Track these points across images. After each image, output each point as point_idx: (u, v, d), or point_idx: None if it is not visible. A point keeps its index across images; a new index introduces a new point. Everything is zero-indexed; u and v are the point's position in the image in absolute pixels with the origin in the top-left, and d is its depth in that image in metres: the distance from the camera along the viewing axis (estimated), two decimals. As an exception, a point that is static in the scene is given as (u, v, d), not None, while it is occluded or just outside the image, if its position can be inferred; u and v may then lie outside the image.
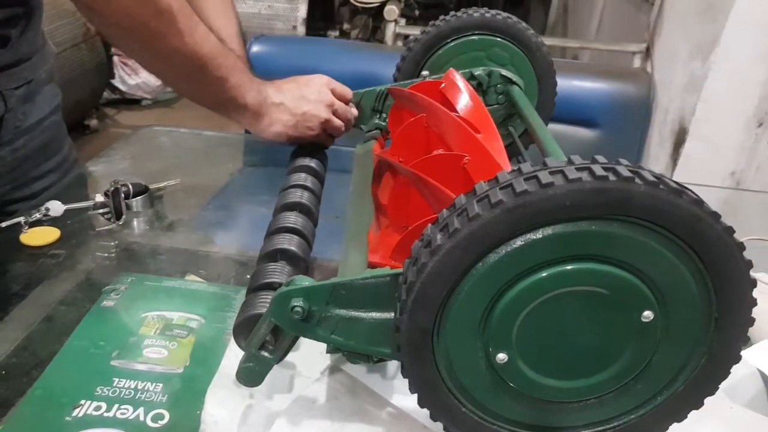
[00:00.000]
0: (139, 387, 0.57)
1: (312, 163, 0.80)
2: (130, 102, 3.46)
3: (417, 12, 3.35)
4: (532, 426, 0.47)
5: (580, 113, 1.41)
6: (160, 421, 0.54)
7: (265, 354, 0.50)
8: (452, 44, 0.89)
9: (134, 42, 0.73)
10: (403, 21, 2.75)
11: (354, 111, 0.88)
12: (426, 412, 0.47)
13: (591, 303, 0.42)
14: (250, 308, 0.52)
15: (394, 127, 0.80)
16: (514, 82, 0.86)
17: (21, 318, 0.66)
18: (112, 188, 0.82)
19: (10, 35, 0.81)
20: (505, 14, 0.88)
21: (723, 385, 0.46)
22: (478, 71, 0.86)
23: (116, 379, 0.58)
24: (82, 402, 0.55)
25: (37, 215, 0.80)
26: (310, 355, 0.59)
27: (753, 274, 0.42)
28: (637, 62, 1.94)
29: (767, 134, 1.50)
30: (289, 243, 0.61)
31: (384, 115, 0.90)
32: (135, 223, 0.85)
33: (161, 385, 0.58)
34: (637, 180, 0.39)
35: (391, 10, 2.66)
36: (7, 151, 0.86)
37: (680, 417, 0.48)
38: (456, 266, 0.41)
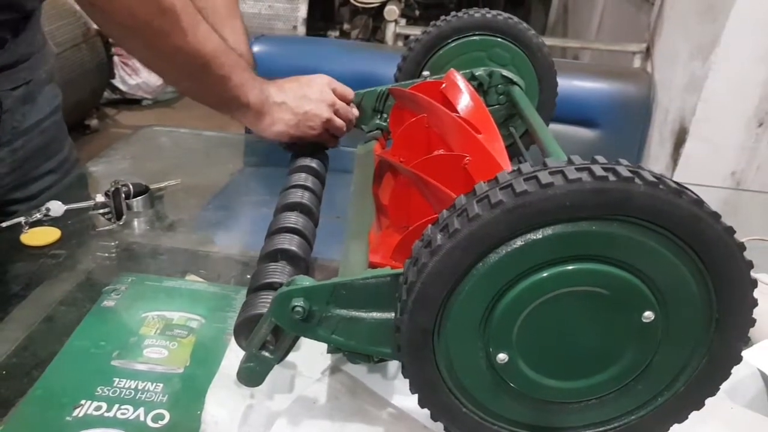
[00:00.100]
0: (140, 387, 0.57)
1: (313, 163, 0.80)
2: (130, 102, 3.46)
3: (417, 12, 3.35)
4: (533, 426, 0.47)
5: (581, 113, 1.41)
6: (160, 422, 0.54)
7: (266, 354, 0.50)
8: (453, 44, 0.89)
9: (137, 41, 0.73)
10: (403, 21, 2.75)
11: (355, 111, 0.88)
12: (426, 412, 0.47)
13: (591, 303, 0.42)
14: (251, 308, 0.52)
15: (395, 127, 0.80)
16: (514, 83, 0.86)
17: (21, 318, 0.66)
18: (113, 188, 0.82)
19: (4, 37, 0.81)
20: (507, 15, 0.88)
21: (723, 385, 0.46)
22: (479, 71, 0.86)
23: (116, 379, 0.58)
24: (83, 402, 0.55)
25: (38, 215, 0.80)
26: (310, 355, 0.59)
27: (753, 274, 0.42)
28: (637, 62, 1.94)
29: (767, 134, 1.50)
30: (290, 243, 0.61)
31: (385, 116, 0.90)
32: (135, 223, 0.85)
33: (161, 385, 0.58)
34: (637, 180, 0.39)
35: (392, 11, 2.66)
36: (6, 152, 0.86)
37: (681, 418, 0.48)
38: (456, 266, 0.41)
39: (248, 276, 0.67)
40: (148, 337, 0.63)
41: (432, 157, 0.63)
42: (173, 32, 0.71)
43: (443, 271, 0.41)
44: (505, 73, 0.86)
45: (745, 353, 0.45)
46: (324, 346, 0.51)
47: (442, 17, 0.89)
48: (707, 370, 0.45)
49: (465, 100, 0.74)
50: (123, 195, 0.83)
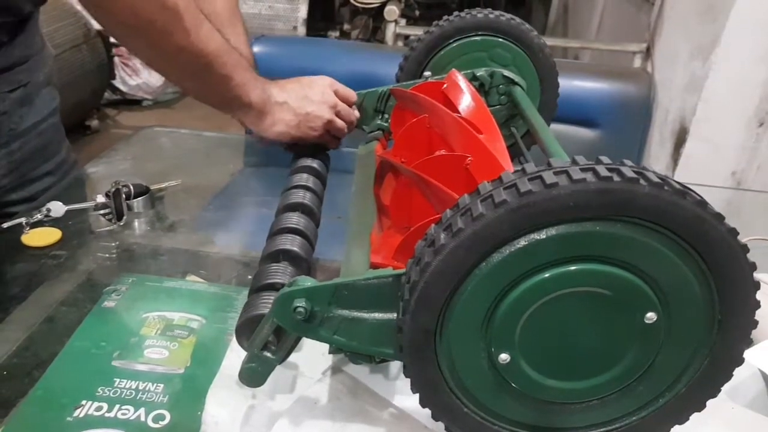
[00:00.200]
0: (140, 387, 0.57)
1: (314, 163, 0.80)
2: (130, 103, 3.46)
3: (417, 12, 3.35)
4: (534, 427, 0.47)
5: (581, 113, 1.41)
6: (161, 422, 0.54)
7: (268, 354, 0.50)
8: (455, 45, 0.89)
9: (140, 40, 0.73)
10: (403, 21, 2.76)
11: (356, 113, 0.88)
12: (427, 412, 0.47)
13: (594, 304, 0.42)
14: (253, 309, 0.52)
15: (397, 127, 0.80)
16: (516, 83, 0.86)
17: (22, 318, 0.66)
18: (113, 189, 0.82)
19: (1, 40, 0.81)
20: (508, 15, 0.88)
21: (724, 386, 0.46)
22: (480, 72, 0.86)
23: (117, 380, 0.58)
24: (83, 402, 0.55)
25: (39, 216, 0.80)
26: (312, 356, 0.59)
27: (756, 275, 0.42)
28: (637, 62, 1.94)
29: (768, 134, 1.50)
30: (292, 243, 0.61)
31: (386, 116, 0.89)
32: (136, 223, 0.85)
33: (162, 385, 0.58)
34: (642, 181, 0.39)
35: (392, 11, 2.66)
36: (3, 153, 0.86)
37: (682, 419, 0.48)
38: (459, 266, 0.41)
39: (249, 276, 0.67)
40: (149, 338, 0.63)
41: (433, 157, 0.63)
42: (176, 31, 0.71)
43: (446, 270, 0.41)
44: (506, 73, 0.86)
45: (746, 354, 0.45)
46: (325, 346, 0.51)
47: (444, 17, 0.89)
48: (709, 372, 0.45)
49: (466, 100, 0.74)
50: (123, 195, 0.82)
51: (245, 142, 1.21)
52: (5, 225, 0.78)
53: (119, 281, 0.71)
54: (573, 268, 0.41)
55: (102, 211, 0.82)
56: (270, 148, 0.86)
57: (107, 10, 0.69)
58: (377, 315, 0.47)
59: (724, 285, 0.42)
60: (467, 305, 0.42)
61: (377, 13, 3.21)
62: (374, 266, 0.57)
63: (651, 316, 0.42)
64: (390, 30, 2.56)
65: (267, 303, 0.51)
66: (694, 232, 0.40)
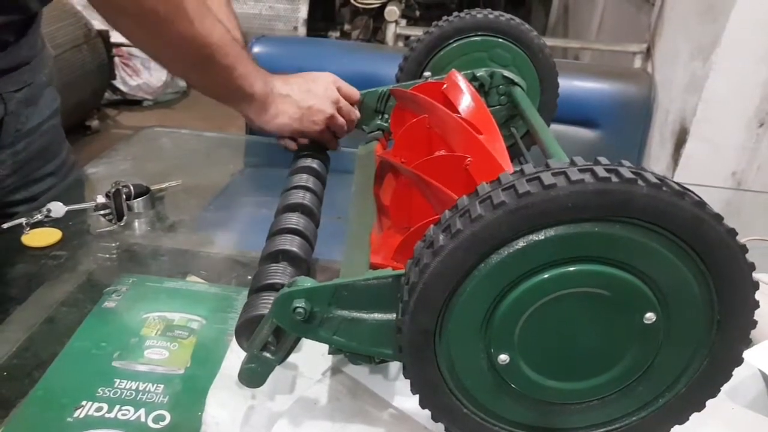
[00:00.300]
0: (141, 388, 0.57)
1: (314, 164, 0.80)
2: (131, 103, 3.46)
3: (418, 13, 3.35)
4: (534, 427, 0.47)
5: (581, 113, 1.41)
6: (161, 422, 0.54)
7: (267, 355, 0.50)
8: (455, 45, 0.89)
9: (143, 30, 0.73)
10: (403, 22, 2.76)
11: (357, 113, 0.88)
12: (427, 413, 0.47)
13: (593, 305, 0.42)
14: (252, 309, 0.52)
15: (396, 128, 0.80)
16: (516, 83, 0.86)
17: (22, 319, 0.66)
18: (114, 189, 0.82)
19: (8, 40, 0.81)
20: (508, 15, 0.88)
21: (724, 386, 0.46)
22: (480, 72, 0.86)
23: (117, 380, 0.58)
24: (84, 403, 0.55)
25: (39, 216, 0.80)
26: (311, 356, 0.59)
27: (755, 275, 0.42)
28: (637, 62, 1.94)
29: (768, 135, 1.50)
30: (291, 244, 0.61)
31: (386, 116, 0.90)
32: (136, 224, 0.85)
33: (162, 386, 0.58)
34: (640, 182, 0.39)
35: (392, 11, 2.66)
36: (8, 154, 0.86)
37: (682, 419, 0.48)
38: (458, 267, 0.41)
39: (249, 277, 0.67)
40: (149, 338, 0.63)
41: (433, 157, 0.63)
42: (179, 20, 0.71)
43: (445, 271, 0.41)
44: (506, 73, 0.86)
45: (745, 354, 0.45)
46: (325, 347, 0.51)
47: (444, 18, 0.89)
48: (708, 372, 0.45)
49: (466, 100, 0.74)
50: (124, 196, 0.82)
51: (246, 142, 1.22)
52: (5, 225, 0.78)
53: (119, 282, 0.71)
54: (572, 268, 0.41)
55: (102, 212, 0.82)
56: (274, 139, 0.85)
57: (110, 0, 0.69)
58: (377, 315, 0.47)
59: (723, 285, 0.42)
60: (466, 306, 0.42)
61: (378, 14, 3.22)
62: (374, 267, 0.57)
63: (650, 317, 0.42)
64: (390, 30, 2.56)
65: (267, 303, 0.51)
66: (692, 232, 0.40)
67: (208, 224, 0.91)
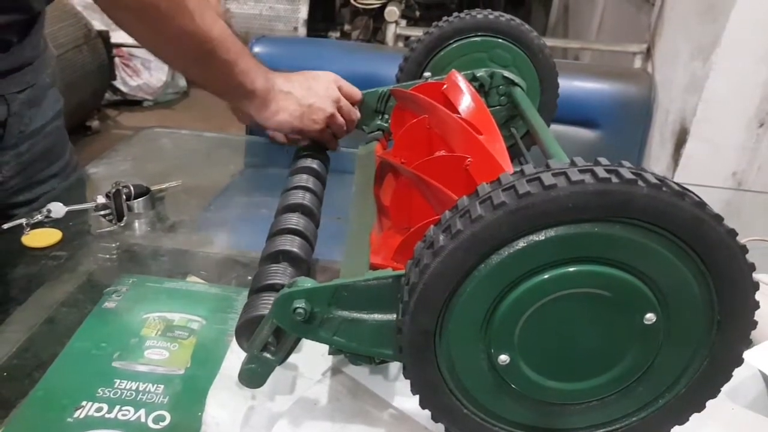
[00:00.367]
0: (141, 388, 0.57)
1: (314, 164, 0.80)
2: (131, 103, 3.47)
3: (418, 13, 3.35)
4: (534, 428, 0.47)
5: (581, 114, 1.41)
6: (161, 423, 0.54)
7: (267, 355, 0.50)
8: (455, 45, 0.89)
9: (144, 25, 0.73)
10: (403, 22, 2.76)
11: (357, 113, 0.88)
12: (427, 413, 0.47)
13: (593, 305, 0.42)
14: (253, 309, 0.52)
15: (397, 128, 0.80)
16: (516, 84, 0.86)
17: (22, 319, 0.66)
18: (114, 190, 0.82)
19: (11, 40, 0.81)
20: (508, 16, 0.88)
21: (724, 386, 0.46)
22: (480, 72, 0.86)
23: (117, 381, 0.58)
24: (84, 403, 0.55)
25: (39, 217, 0.80)
26: (311, 357, 0.59)
27: (755, 276, 0.42)
28: (637, 63, 1.95)
29: (768, 135, 1.50)
30: (291, 244, 0.61)
31: (386, 116, 0.90)
32: (136, 224, 0.85)
33: (162, 386, 0.58)
34: (640, 182, 0.39)
35: (392, 11, 2.66)
36: (11, 155, 0.86)
37: (682, 419, 0.48)
38: (458, 267, 0.41)
39: (249, 277, 0.67)
40: (149, 339, 0.63)
41: (433, 158, 0.63)
42: (180, 14, 0.71)
43: (445, 272, 0.41)
44: (506, 74, 0.86)
45: (746, 354, 0.45)
46: (325, 347, 0.51)
47: (444, 18, 0.89)
48: (708, 372, 0.45)
49: (466, 101, 0.74)
50: (124, 196, 0.82)
51: (246, 142, 1.22)
52: (6, 226, 0.78)
53: (119, 282, 0.71)
54: (572, 269, 0.41)
55: (102, 212, 0.82)
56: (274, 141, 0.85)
57: None
58: (377, 316, 0.47)
59: (723, 286, 0.42)
60: (466, 306, 0.42)
61: (378, 14, 3.22)
62: (374, 267, 0.57)
63: (650, 317, 0.42)
64: (390, 31, 2.56)
65: (267, 304, 0.51)
66: (692, 233, 0.40)
67: (208, 224, 0.91)
